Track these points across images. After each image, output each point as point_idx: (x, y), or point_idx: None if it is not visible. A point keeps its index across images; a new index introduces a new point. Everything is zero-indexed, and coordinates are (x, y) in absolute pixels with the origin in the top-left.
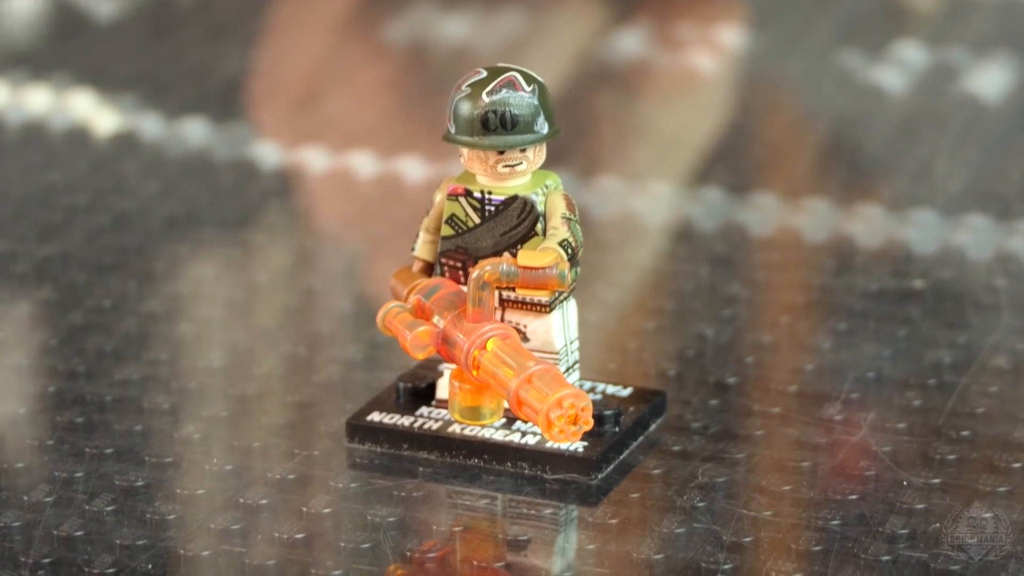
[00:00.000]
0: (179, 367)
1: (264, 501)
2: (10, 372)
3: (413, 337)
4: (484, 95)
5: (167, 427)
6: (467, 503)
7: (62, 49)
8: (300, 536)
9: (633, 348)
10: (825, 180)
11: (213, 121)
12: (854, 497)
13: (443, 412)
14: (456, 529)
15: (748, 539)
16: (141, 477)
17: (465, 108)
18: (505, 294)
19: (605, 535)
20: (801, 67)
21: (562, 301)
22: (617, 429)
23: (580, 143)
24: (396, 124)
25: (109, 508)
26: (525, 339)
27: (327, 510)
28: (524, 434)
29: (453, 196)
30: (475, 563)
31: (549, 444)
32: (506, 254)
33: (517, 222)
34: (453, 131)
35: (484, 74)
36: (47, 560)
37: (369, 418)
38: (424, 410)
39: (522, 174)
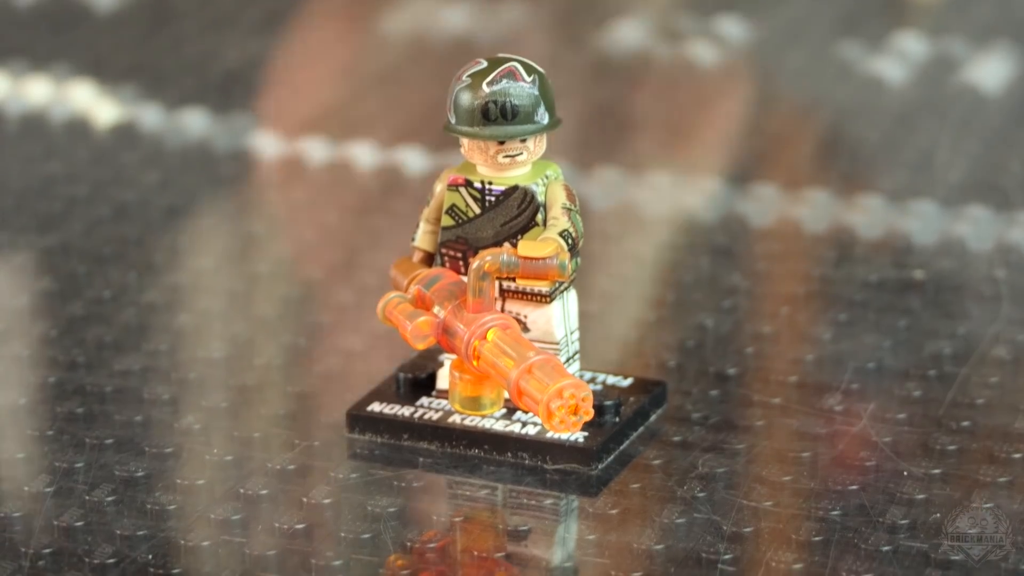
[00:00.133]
0: (179, 358)
1: (264, 491)
2: (10, 362)
3: (413, 327)
4: (484, 85)
5: (167, 417)
6: (467, 493)
7: (62, 40)
8: (300, 526)
9: (633, 338)
10: (825, 171)
11: (213, 112)
12: (854, 487)
13: (443, 402)
14: (456, 519)
15: (748, 529)
16: (141, 467)
17: (465, 98)
18: (505, 284)
19: (605, 525)
20: (801, 58)
21: (562, 291)
22: (617, 419)
23: (580, 133)
24: (396, 114)
25: (109, 498)
26: (525, 329)
27: (327, 500)
28: (524, 424)
29: (453, 186)
30: (475, 553)
31: (549, 434)
32: (506, 244)
33: (517, 212)
34: (453, 121)
35: (484, 64)
36: (47, 550)
37: (369, 408)
38: (424, 400)
39: (522, 164)
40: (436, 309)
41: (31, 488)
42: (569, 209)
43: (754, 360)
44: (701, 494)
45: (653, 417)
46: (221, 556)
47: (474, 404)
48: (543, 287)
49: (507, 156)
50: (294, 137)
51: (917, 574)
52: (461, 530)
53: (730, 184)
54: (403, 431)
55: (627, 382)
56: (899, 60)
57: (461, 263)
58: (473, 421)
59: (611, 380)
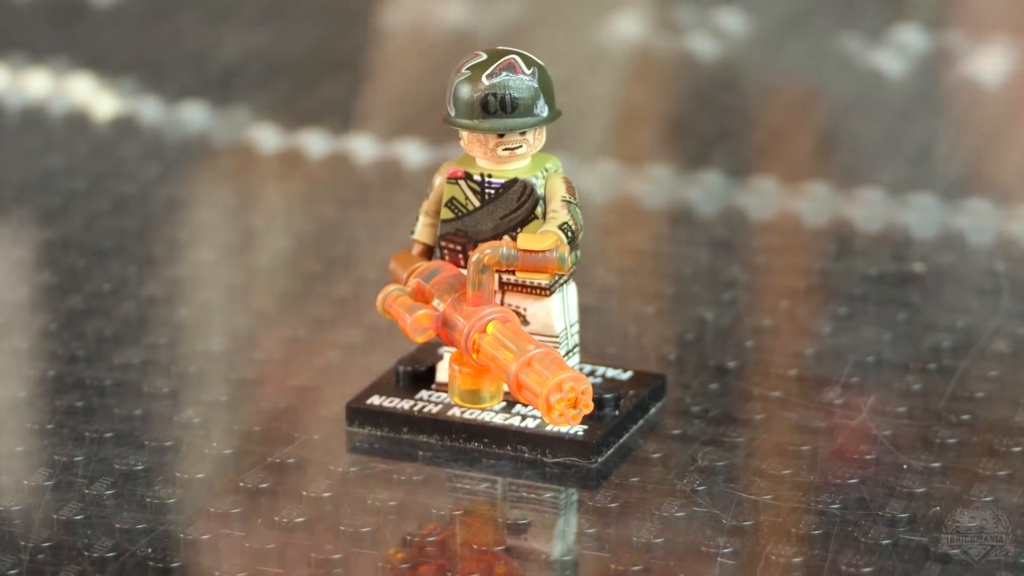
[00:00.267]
0: (179, 351)
1: (264, 485)
2: (10, 356)
3: (413, 320)
4: (484, 78)
5: (167, 411)
6: (467, 487)
7: (61, 33)
8: (300, 520)
9: (633, 332)
10: (825, 164)
11: (212, 105)
12: (854, 481)
13: (443, 395)
14: (456, 513)
15: (748, 523)
16: (141, 461)
17: (465, 91)
18: (505, 277)
19: (605, 519)
20: (801, 51)
21: (562, 284)
22: (617, 413)
23: (580, 126)
24: (396, 107)
25: (109, 492)
26: (525, 322)
27: (327, 494)
28: (524, 417)
29: (453, 179)
30: (475, 547)
31: (549, 428)
32: (506, 237)
33: (517, 205)
34: (453, 114)
35: (484, 57)
36: (47, 544)
37: (369, 402)
38: (424, 393)
39: (522, 157)
40: (435, 302)
41: (30, 482)
42: (569, 202)
43: (754, 353)
44: (701, 487)
45: (653, 410)
46: (221, 550)
47: (474, 397)
48: (543, 280)
49: (506, 149)
50: (293, 130)
51: (917, 567)
52: (461, 523)
53: (729, 177)
54: (403, 424)
55: (627, 375)
56: (899, 53)
57: (460, 256)
58: (473, 414)
59: (611, 373)
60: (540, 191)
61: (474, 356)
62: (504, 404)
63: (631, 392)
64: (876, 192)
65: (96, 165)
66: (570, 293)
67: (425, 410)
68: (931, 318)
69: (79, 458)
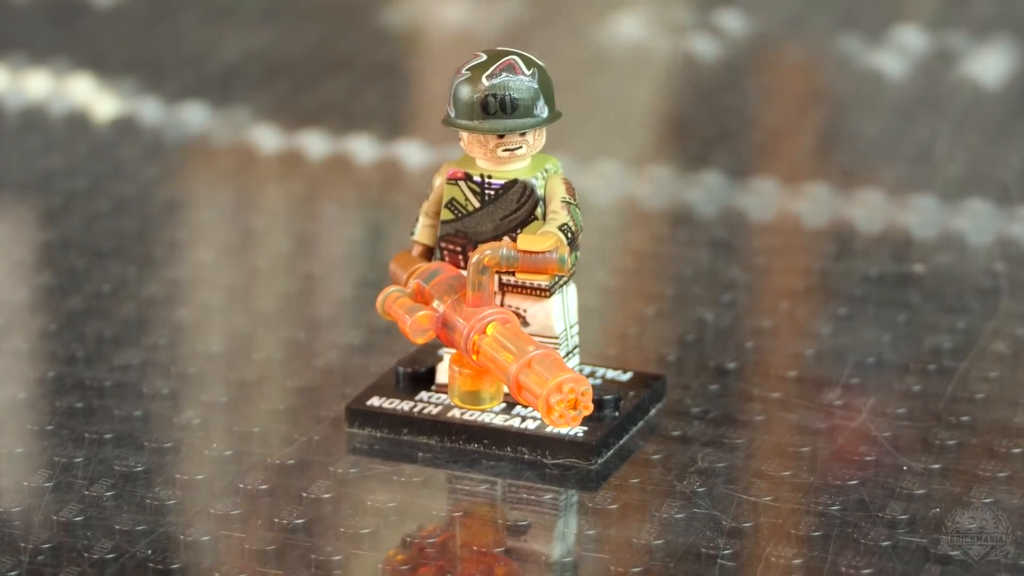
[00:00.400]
0: (178, 352)
1: (264, 486)
2: (10, 357)
3: (413, 322)
4: (484, 79)
5: (166, 412)
6: (467, 488)
7: (61, 34)
8: (300, 521)
9: (633, 333)
10: (825, 165)
11: (212, 105)
12: (854, 482)
13: (443, 397)
14: (456, 514)
15: (748, 524)
16: (140, 462)
17: (465, 92)
18: (505, 278)
19: (605, 520)
20: (801, 51)
21: (562, 285)
22: (617, 414)
23: (580, 127)
24: (396, 108)
25: (108, 493)
26: (525, 323)
27: (327, 495)
28: (524, 419)
29: (453, 180)
30: (475, 548)
31: (549, 429)
32: (506, 238)
33: (517, 206)
34: (453, 115)
35: (484, 58)
36: (46, 545)
37: (369, 403)
38: (424, 395)
39: (522, 158)
40: (435, 303)
41: (30, 483)
42: (568, 203)
43: (754, 354)
44: (701, 489)
45: (653, 411)
46: (220, 551)
47: (473, 398)
48: (543, 281)
49: (506, 150)
50: (293, 130)
51: (917, 569)
52: (460, 525)
53: (730, 178)
54: (402, 426)
55: (626, 376)
56: (899, 54)
57: (460, 257)
58: (472, 416)
59: (611, 374)
60: (540, 192)
61: (474, 357)
62: (504, 405)
63: (631, 393)
64: (876, 193)
65: (96, 166)
66: (570, 294)
67: (425, 411)
68: (931, 319)
69: (79, 459)
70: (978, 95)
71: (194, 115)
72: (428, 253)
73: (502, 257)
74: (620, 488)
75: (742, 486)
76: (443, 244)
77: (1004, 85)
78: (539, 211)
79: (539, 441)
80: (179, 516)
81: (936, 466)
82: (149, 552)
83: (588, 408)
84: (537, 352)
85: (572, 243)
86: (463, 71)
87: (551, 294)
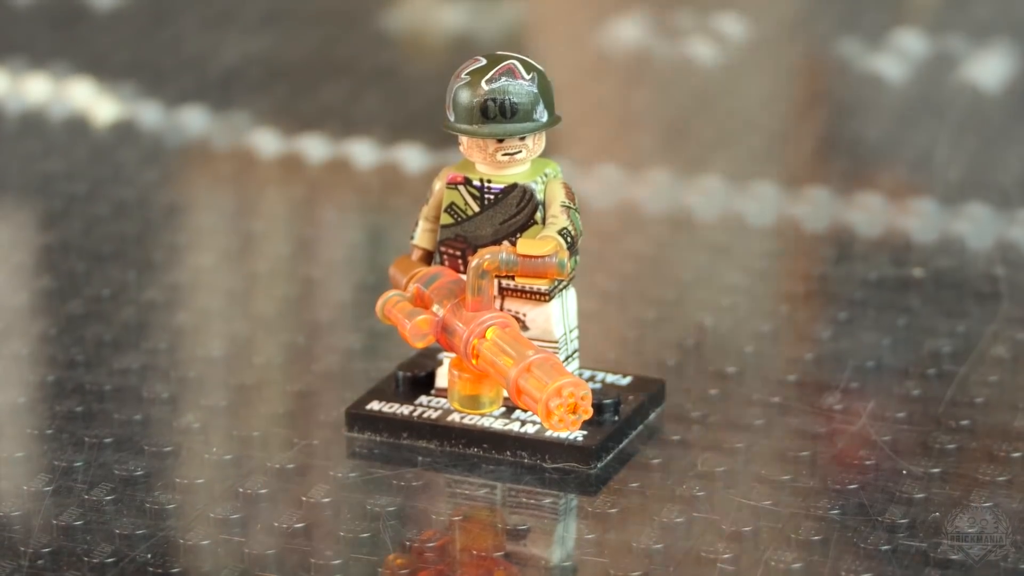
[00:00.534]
0: (178, 356)
1: (263, 490)
2: (10, 361)
3: (412, 326)
4: (483, 83)
5: (166, 416)
6: (466, 492)
7: (61, 38)
8: (299, 526)
9: (632, 337)
10: (824, 169)
11: (212, 109)
12: (854, 486)
13: (442, 401)
14: (455, 518)
15: (748, 529)
16: (140, 466)
17: (464, 96)
18: (504, 283)
19: (604, 524)
20: (800, 55)
21: (561, 290)
22: (617, 418)
23: (580, 131)
24: (396, 112)
25: (108, 498)
26: (524, 328)
27: (326, 499)
28: (523, 423)
29: (452, 184)
30: (474, 553)
31: (548, 433)
32: (505, 242)
33: (516, 210)
34: (452, 119)
35: (483, 62)
36: (46, 550)
37: (368, 407)
38: (423, 399)
39: (521, 162)
40: (435, 307)
41: (30, 487)
42: (568, 207)
43: (753, 359)
44: (700, 493)
45: (652, 416)
46: (220, 555)
47: (473, 403)
48: (542, 285)
49: (506, 154)
50: (293, 134)
51: (916, 573)
52: (460, 529)
53: (729, 182)
54: (402, 430)
55: (626, 380)
56: (898, 57)
57: (460, 261)
58: (472, 420)
59: (610, 378)
60: (539, 196)
61: (473, 361)
62: (503, 409)
63: (631, 397)
64: (876, 197)
65: (96, 169)
66: (569, 298)
67: (424, 415)
68: (931, 323)
69: (79, 463)
70: (978, 99)
71: (194, 119)
72: (428, 257)
73: (502, 261)
74: (620, 492)
75: (742, 490)
76: (443, 248)
77: (1004, 89)
78: (539, 215)
79: (539, 445)
80: (179, 520)
81: (936, 470)
82: (149, 556)
83: (588, 412)
84: (537, 356)
85: (572, 247)
86: (462, 75)
87: (551, 298)
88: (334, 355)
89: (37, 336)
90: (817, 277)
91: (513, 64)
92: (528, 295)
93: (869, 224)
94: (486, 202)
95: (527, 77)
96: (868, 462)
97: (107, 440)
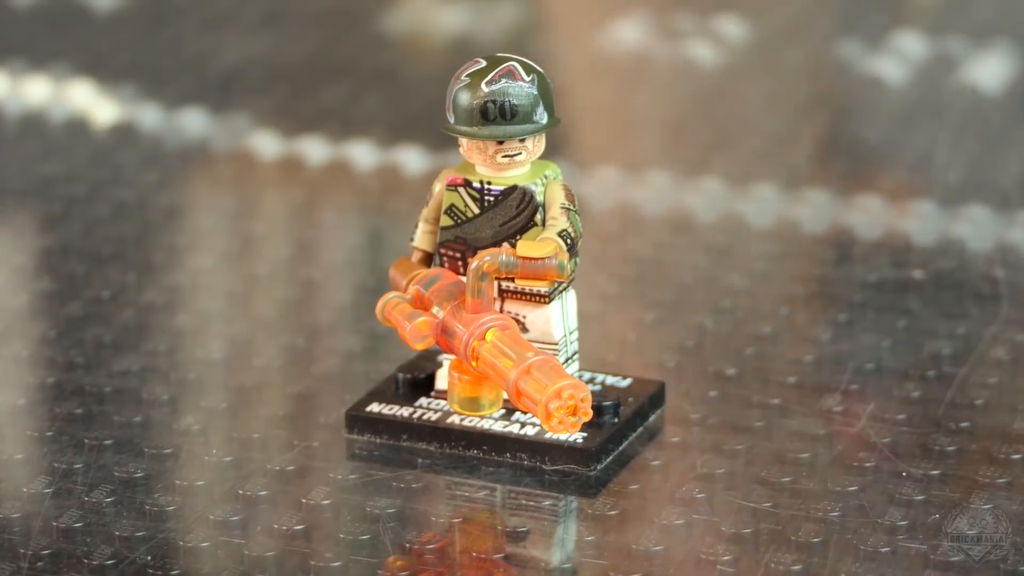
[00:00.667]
0: (178, 358)
1: (263, 492)
2: (9, 363)
3: (412, 328)
4: (483, 85)
5: (166, 418)
6: (466, 494)
7: (61, 39)
8: (299, 527)
9: (632, 339)
10: (824, 171)
11: (212, 111)
12: (853, 488)
13: (442, 403)
14: (455, 520)
15: (747, 530)
16: (140, 468)
17: (464, 98)
18: (504, 284)
19: (604, 526)
20: (801, 57)
21: (561, 291)
22: (616, 420)
23: (580, 133)
24: (396, 114)
25: (108, 499)
26: (524, 330)
27: (326, 501)
28: (523, 425)
29: (452, 186)
30: (474, 555)
31: (548, 435)
32: (505, 244)
33: (516, 212)
34: (452, 121)
35: (483, 64)
36: (46, 552)
37: (368, 409)
38: (423, 401)
39: (521, 164)
40: (435, 309)
41: (30, 489)
42: (568, 209)
43: (753, 360)
44: (700, 495)
45: (652, 418)
46: (220, 557)
47: (473, 405)
48: (542, 287)
49: (506, 156)
50: (293, 136)
51: (916, 575)
52: (460, 531)
53: (729, 184)
54: (402, 432)
55: (626, 382)
56: (898, 59)
57: (460, 263)
58: (472, 422)
59: (610, 380)
60: (539, 198)
61: (473, 363)
62: (503, 411)
63: (630, 399)
64: (876, 199)
65: (95, 171)
66: (569, 300)
67: (424, 417)
68: (930, 325)
69: (78, 465)
70: (978, 101)
71: (194, 121)
72: (428, 259)
73: (501, 263)
74: (619, 494)
75: (742, 492)
76: (442, 250)
77: (1004, 91)
78: (538, 217)
79: (538, 447)
80: (179, 522)
81: (935, 472)
82: (148, 558)
83: (587, 414)
84: (536, 358)
85: (571, 249)
86: (462, 77)
87: (550, 300)
88: (334, 357)
89: (37, 338)
90: (817, 279)
91: (513, 66)
92: (528, 297)
93: (869, 226)
94: (486, 204)
95: (527, 79)
96: (868, 464)
97: (107, 442)
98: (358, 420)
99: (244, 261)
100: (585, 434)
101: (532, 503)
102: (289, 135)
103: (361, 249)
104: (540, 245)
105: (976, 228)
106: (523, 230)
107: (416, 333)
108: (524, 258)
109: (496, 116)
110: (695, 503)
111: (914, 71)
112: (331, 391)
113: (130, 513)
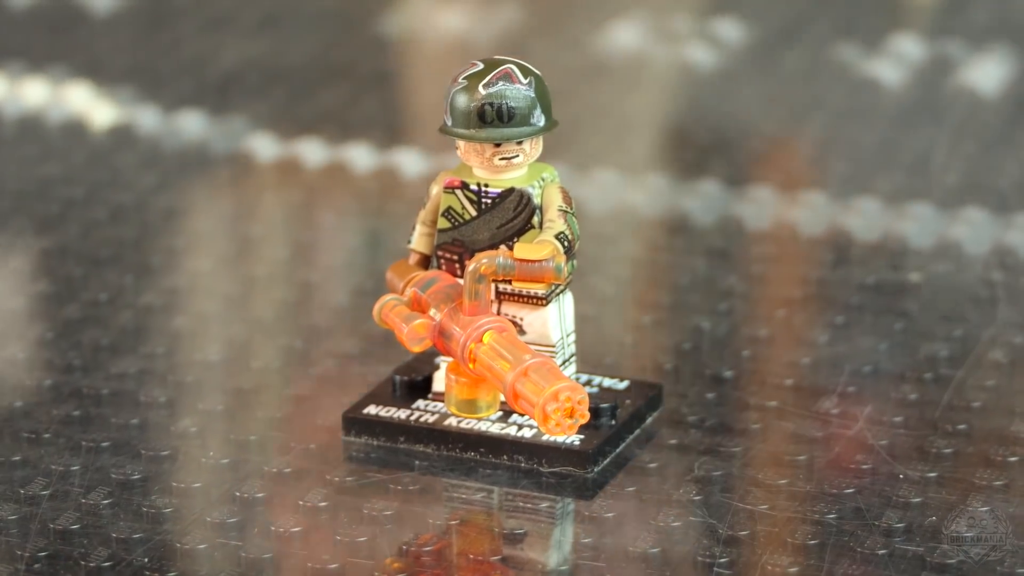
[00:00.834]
0: (176, 360)
1: (260, 494)
2: (7, 365)
3: (410, 330)
4: (480, 87)
5: (164, 420)
6: (463, 496)
7: (59, 41)
8: (296, 530)
9: (629, 341)
10: (822, 173)
11: (210, 114)
12: (850, 491)
13: (439, 405)
14: (452, 522)
15: (744, 533)
16: (137, 470)
17: (461, 100)
18: (501, 287)
19: (601, 529)
20: (798, 60)
21: (558, 294)
22: (613, 422)
23: (577, 135)
24: (393, 116)
25: (105, 502)
26: (521, 332)
27: (323, 503)
28: (520, 427)
29: (449, 189)
30: (471, 557)
31: (545, 437)
32: (502, 247)
33: (513, 215)
34: (450, 123)
35: (481, 66)
36: (43, 554)
37: (366, 411)
38: (420, 403)
39: (518, 167)
40: (432, 312)
41: (27, 491)
42: (565, 211)
43: (750, 363)
44: (697, 497)
45: (649, 420)
46: (217, 559)
47: (470, 407)
48: (539, 290)
49: (503, 158)
50: (291, 139)
51: None
52: (457, 533)
53: (727, 186)
54: (399, 434)
55: (623, 385)
56: (896, 62)
57: (457, 265)
58: (469, 424)
59: (607, 383)
60: (537, 200)
61: (470, 366)
62: (500, 414)
63: (627, 402)
64: (873, 201)
65: (93, 174)
66: (566, 303)
67: (422, 420)
68: (928, 328)
69: (76, 467)
70: (975, 103)
71: (192, 123)
72: (425, 262)
73: (499, 266)
74: (616, 496)
75: (738, 494)
76: (440, 252)
77: (1001, 93)
78: (536, 220)
79: (535, 449)
80: (176, 524)
81: (932, 474)
82: (146, 560)
83: (584, 416)
84: (534, 360)
85: (569, 252)
86: (460, 80)
87: (548, 303)
88: (331, 359)
89: (34, 340)
90: (814, 281)
91: (510, 68)
92: (525, 299)
93: (866, 228)
94: (483, 206)
95: (524, 81)
96: (865, 466)
97: (104, 444)
98: (355, 422)
99: (242, 263)
100: (582, 436)
101: (529, 505)
102: (287, 137)
103: (359, 251)
104: (537, 247)
105: (973, 231)
106: (520, 232)
107: (413, 335)
108: (521, 260)
109: (493, 118)
110: (692, 505)
111: (912, 74)
112: (329, 393)
113: (127, 515)
